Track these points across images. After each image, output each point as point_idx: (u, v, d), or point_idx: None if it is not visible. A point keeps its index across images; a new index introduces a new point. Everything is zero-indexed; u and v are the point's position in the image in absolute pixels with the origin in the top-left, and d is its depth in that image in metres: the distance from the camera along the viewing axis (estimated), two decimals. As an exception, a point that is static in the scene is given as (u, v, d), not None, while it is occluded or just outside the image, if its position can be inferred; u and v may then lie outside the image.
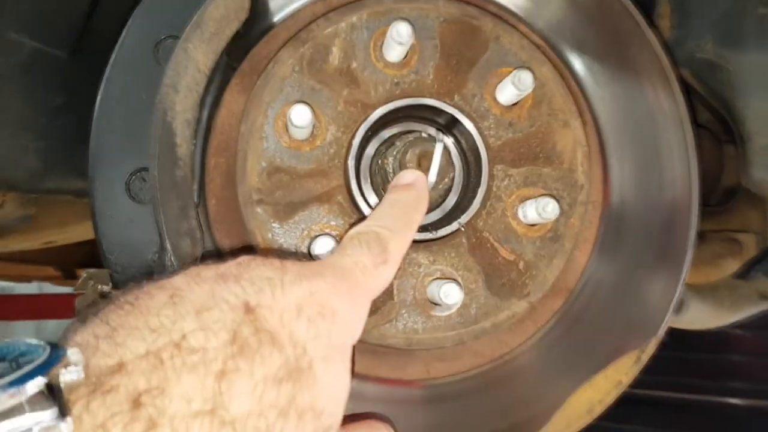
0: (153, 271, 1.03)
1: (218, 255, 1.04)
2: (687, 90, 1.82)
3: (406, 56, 1.05)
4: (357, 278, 0.73)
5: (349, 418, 0.74)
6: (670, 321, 1.65)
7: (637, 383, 1.15)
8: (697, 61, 1.80)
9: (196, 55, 1.00)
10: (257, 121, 1.03)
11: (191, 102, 1.00)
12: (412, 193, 0.90)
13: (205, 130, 1.07)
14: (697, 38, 1.77)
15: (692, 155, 1.16)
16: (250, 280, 0.66)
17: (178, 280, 0.66)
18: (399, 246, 0.80)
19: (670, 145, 1.16)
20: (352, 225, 1.02)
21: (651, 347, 1.15)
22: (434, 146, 0.98)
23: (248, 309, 0.62)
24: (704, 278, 1.72)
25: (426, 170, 0.98)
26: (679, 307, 1.61)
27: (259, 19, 1.12)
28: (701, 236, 1.93)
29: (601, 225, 1.15)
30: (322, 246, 0.97)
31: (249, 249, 1.01)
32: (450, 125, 1.08)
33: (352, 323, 0.72)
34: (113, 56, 1.07)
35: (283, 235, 1.02)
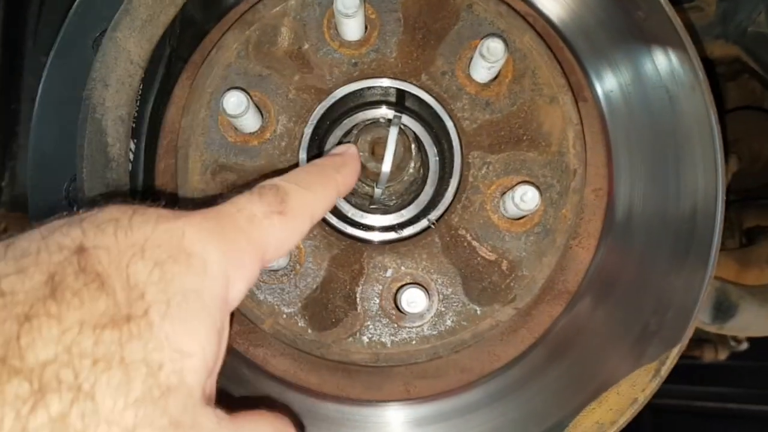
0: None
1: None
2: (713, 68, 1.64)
3: (365, 33, 0.93)
4: (239, 225, 0.60)
5: (241, 403, 0.62)
6: (720, 328, 1.46)
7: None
8: (749, 35, 1.61)
9: (127, 45, 0.90)
10: (199, 114, 0.93)
11: (125, 97, 0.91)
12: (335, 157, 0.77)
13: (151, 128, 0.97)
14: (748, 10, 1.59)
15: (716, 133, 0.98)
16: (94, 221, 0.55)
17: (27, 233, 0.56)
18: (303, 200, 0.66)
19: (689, 122, 0.98)
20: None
21: (672, 358, 0.97)
22: (388, 131, 0.85)
23: (80, 249, 0.53)
24: (760, 279, 1.52)
25: (380, 159, 0.86)
26: (729, 311, 1.42)
27: (212, 3, 1.02)
28: (757, 233, 1.72)
29: (607, 216, 0.98)
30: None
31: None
32: (418, 108, 0.95)
33: (222, 274, 0.57)
34: (50, 56, 0.99)
35: (230, 240, 0.90)
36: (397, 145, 0.85)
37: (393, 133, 0.84)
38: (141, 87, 0.92)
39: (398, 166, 0.87)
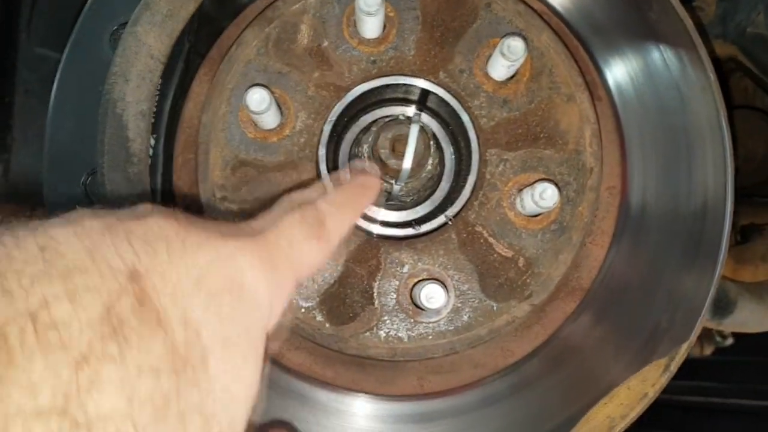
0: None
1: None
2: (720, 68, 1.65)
3: (384, 30, 0.93)
4: (282, 250, 0.59)
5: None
6: (719, 324, 1.48)
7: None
8: (747, 36, 1.63)
9: (148, 40, 0.91)
10: (219, 110, 0.93)
11: (145, 92, 0.91)
12: (361, 178, 0.78)
13: (169, 123, 0.98)
14: (747, 11, 1.61)
15: (726, 133, 0.99)
16: (143, 237, 0.51)
17: (56, 227, 0.51)
18: (337, 226, 0.66)
19: (700, 122, 0.99)
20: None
21: (682, 354, 0.99)
22: (409, 129, 0.86)
23: (134, 275, 0.49)
24: (756, 276, 1.54)
25: (400, 156, 0.86)
26: (728, 308, 1.44)
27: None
28: (752, 230, 1.74)
29: (621, 215, 1.00)
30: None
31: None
32: (435, 106, 0.96)
33: (268, 305, 0.56)
34: (67, 49, 0.99)
35: (249, 235, 0.91)
36: (417, 143, 0.86)
37: (414, 130, 0.85)
38: (160, 82, 0.93)
39: (418, 163, 0.88)
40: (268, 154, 0.92)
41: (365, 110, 0.97)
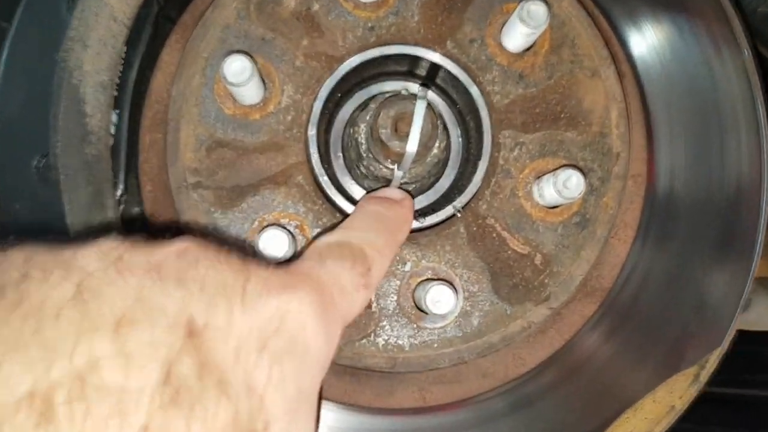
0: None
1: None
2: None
3: (383, -7, 0.81)
4: (334, 300, 0.56)
5: None
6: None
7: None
8: (758, 15, 1.54)
9: (110, 0, 0.78)
10: (192, 81, 0.81)
11: (107, 60, 0.79)
12: (399, 210, 0.72)
13: (135, 97, 0.85)
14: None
15: (762, 115, 0.88)
16: (199, 283, 0.47)
17: (91, 260, 0.46)
18: (381, 270, 0.64)
19: (734, 105, 0.88)
20: (319, 214, 0.79)
21: (712, 362, 0.89)
22: (414, 105, 0.74)
23: (192, 331, 0.44)
24: (766, 272, 1.45)
25: (404, 136, 0.74)
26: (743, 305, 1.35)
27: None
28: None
29: (646, 206, 0.89)
30: (276, 241, 0.74)
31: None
32: (442, 81, 0.84)
33: (324, 358, 0.53)
34: (18, 12, 0.86)
35: (227, 226, 0.79)
36: (424, 122, 0.74)
37: (420, 108, 0.73)
38: (125, 49, 0.80)
39: (425, 146, 0.76)
40: (248, 134, 0.80)
41: (361, 85, 0.85)
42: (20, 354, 0.39)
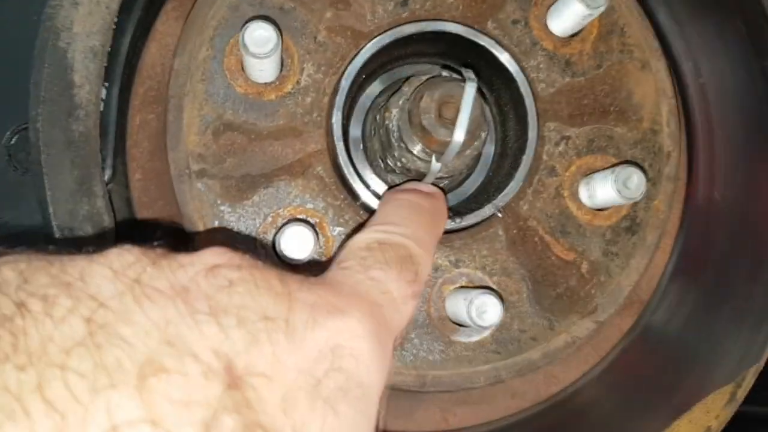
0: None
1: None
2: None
3: (418, -37, 0.72)
4: (385, 318, 0.49)
5: None
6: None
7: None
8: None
9: (105, -48, 0.67)
10: (199, 54, 0.70)
11: (100, 22, 0.67)
12: (436, 202, 0.64)
13: (125, 70, 0.73)
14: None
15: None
16: (235, 315, 0.39)
17: (103, 284, 0.36)
18: (427, 271, 0.57)
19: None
20: (340, 210, 0.69)
21: (749, 379, 0.82)
22: (462, 88, 0.65)
23: (232, 377, 0.37)
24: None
25: (450, 123, 0.65)
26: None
27: None
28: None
29: (686, 212, 0.82)
30: (295, 240, 0.64)
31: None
32: (480, 65, 0.75)
33: (381, 390, 0.45)
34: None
35: (236, 222, 0.69)
36: (473, 108, 0.65)
37: (470, 91, 0.64)
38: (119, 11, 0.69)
39: (472, 135, 0.67)
40: (262, 116, 0.70)
41: (388, 65, 0.76)
42: (18, 424, 0.30)
